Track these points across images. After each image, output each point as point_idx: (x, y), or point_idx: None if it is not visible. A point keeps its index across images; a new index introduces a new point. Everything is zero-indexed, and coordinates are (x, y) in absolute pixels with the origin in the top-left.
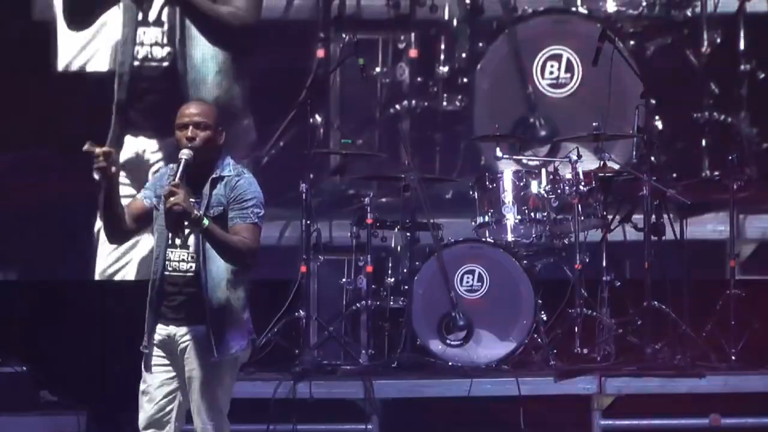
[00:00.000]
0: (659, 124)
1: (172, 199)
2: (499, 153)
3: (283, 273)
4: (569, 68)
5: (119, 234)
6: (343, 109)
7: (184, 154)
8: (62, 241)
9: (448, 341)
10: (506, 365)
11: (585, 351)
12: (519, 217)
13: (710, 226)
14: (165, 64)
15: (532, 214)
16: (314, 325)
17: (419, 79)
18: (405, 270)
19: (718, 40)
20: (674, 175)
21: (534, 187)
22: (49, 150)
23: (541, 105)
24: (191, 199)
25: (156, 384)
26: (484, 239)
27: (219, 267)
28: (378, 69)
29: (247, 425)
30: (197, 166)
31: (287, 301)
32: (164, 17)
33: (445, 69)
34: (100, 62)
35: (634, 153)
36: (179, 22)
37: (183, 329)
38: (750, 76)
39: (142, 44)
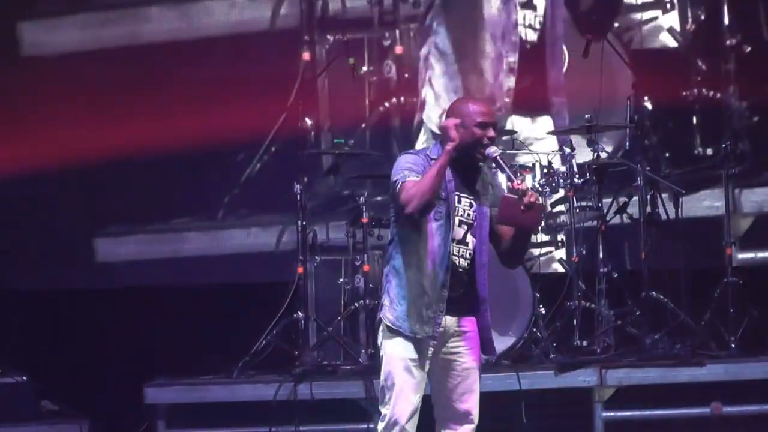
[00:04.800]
0: (649, 105)
1: (531, 193)
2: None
3: (281, 276)
4: None
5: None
6: (332, 110)
7: (497, 151)
8: (62, 250)
9: None
10: (506, 360)
11: (584, 343)
12: None
13: (707, 203)
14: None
15: None
16: (313, 326)
17: (406, 75)
18: None
19: (702, 17)
20: (667, 154)
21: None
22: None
23: None
24: (467, 198)
25: (421, 378)
26: None
27: (485, 266)
28: (365, 68)
29: (250, 428)
30: (469, 166)
31: (285, 303)
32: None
33: None
34: None
35: (627, 142)
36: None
37: (464, 320)
38: (736, 50)
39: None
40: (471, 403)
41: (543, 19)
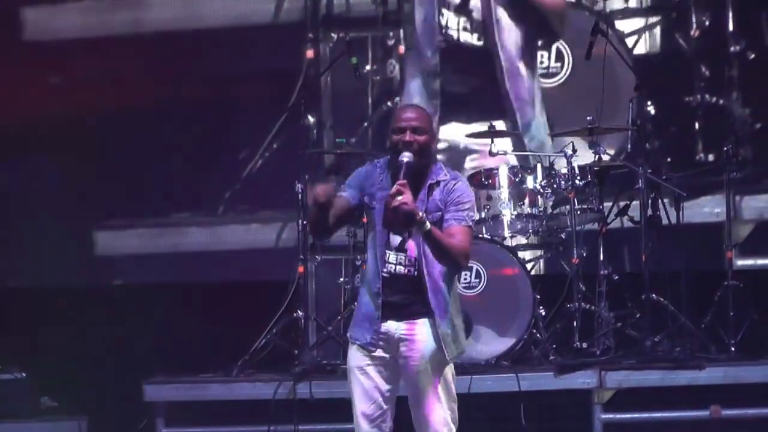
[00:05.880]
0: (652, 110)
1: (399, 198)
2: (494, 149)
3: (281, 275)
4: (559, 57)
5: (325, 233)
6: (335, 109)
7: (406, 156)
8: (59, 247)
9: None
10: (506, 361)
11: (584, 345)
12: (515, 212)
13: (707, 209)
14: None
15: (528, 209)
16: (313, 325)
17: None
18: None
19: (707, 22)
20: (668, 159)
21: (529, 182)
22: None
23: None
24: None
25: (372, 385)
26: (480, 236)
27: (439, 271)
28: (368, 67)
29: (249, 426)
30: (413, 172)
31: (285, 302)
32: (471, 5)
33: None
34: None
35: (629, 144)
36: (491, 11)
37: (405, 325)
38: (740, 57)
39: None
40: (427, 409)
41: (485, 24)
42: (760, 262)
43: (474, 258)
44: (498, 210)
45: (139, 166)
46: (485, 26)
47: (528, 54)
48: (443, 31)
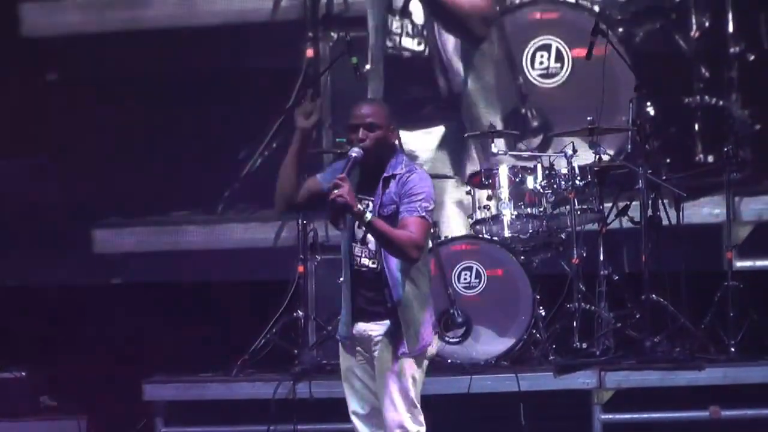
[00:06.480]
0: (651, 110)
1: (336, 191)
2: (494, 149)
3: (281, 274)
4: (559, 58)
5: (288, 203)
6: (334, 108)
7: (354, 151)
8: (58, 246)
9: (446, 338)
10: (505, 361)
11: (584, 345)
12: (515, 212)
13: (706, 209)
14: (418, 53)
15: (528, 209)
16: (312, 325)
17: None
18: None
19: (707, 24)
20: (668, 160)
21: (530, 182)
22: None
23: (532, 96)
24: (365, 199)
25: (360, 384)
26: (480, 236)
27: (395, 264)
28: (368, 66)
29: (248, 426)
30: (370, 166)
31: (285, 302)
32: (411, 8)
33: None
34: None
35: (629, 145)
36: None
37: (372, 325)
38: (740, 58)
39: (392, 33)
40: (383, 408)
41: (425, 28)
42: (759, 263)
43: (474, 258)
44: (498, 210)
45: (137, 165)
46: (426, 29)
47: (466, 55)
48: (390, 36)
